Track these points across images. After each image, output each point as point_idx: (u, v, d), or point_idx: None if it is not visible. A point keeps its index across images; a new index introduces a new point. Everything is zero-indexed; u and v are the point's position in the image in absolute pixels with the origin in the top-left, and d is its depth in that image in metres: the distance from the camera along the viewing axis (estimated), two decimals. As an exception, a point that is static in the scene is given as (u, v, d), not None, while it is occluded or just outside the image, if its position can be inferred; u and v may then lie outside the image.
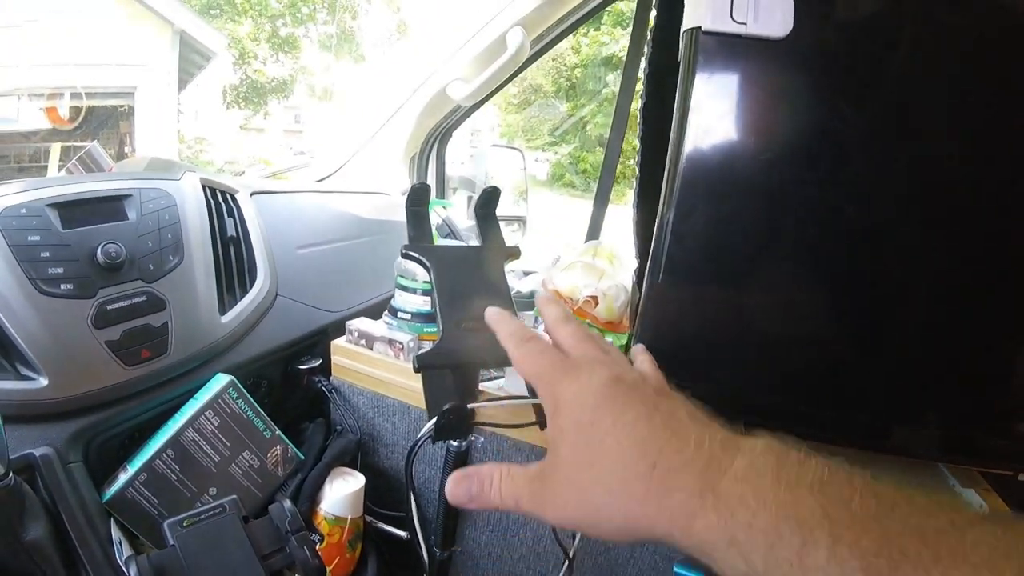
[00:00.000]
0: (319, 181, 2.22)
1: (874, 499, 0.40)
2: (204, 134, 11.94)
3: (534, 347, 0.62)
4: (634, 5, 1.92)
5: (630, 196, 1.26)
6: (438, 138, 2.34)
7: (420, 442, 0.94)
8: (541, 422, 0.93)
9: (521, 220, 2.48)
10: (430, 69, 2.08)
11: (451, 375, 0.95)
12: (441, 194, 2.43)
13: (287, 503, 0.97)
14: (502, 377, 1.18)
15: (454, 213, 2.24)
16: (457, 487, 0.57)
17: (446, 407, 0.87)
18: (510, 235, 2.34)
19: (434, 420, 0.88)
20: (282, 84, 14.26)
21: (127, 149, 8.33)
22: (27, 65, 6.88)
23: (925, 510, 0.39)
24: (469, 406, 0.89)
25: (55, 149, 7.17)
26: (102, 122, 8.07)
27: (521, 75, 1.98)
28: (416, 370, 0.90)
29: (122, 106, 8.31)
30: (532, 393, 0.95)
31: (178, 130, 9.69)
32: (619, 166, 2.18)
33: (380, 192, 1.99)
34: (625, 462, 0.48)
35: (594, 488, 0.49)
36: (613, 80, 10.97)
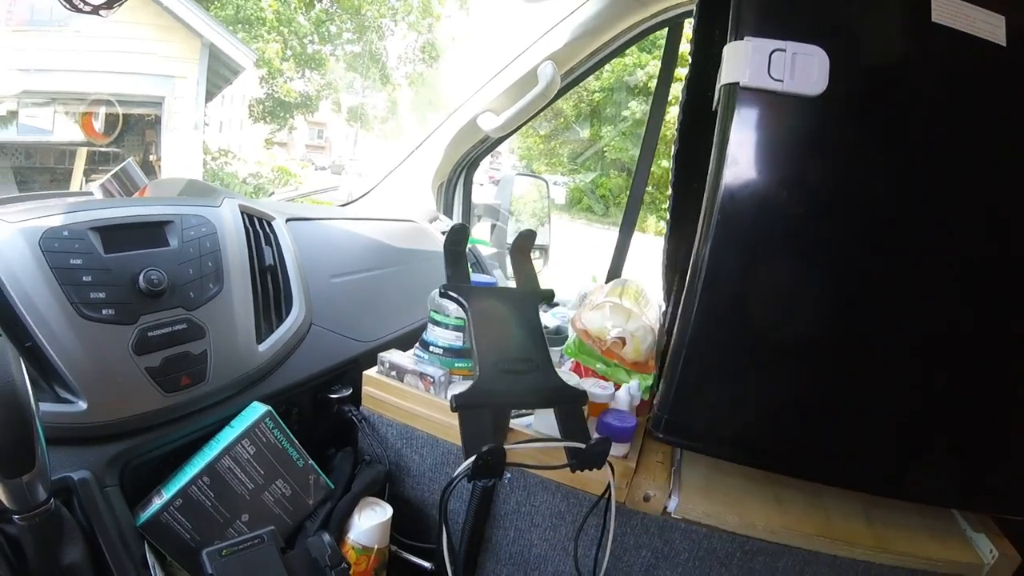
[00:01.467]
0: (343, 206, 2.24)
1: None
2: (228, 146, 12.01)
3: None
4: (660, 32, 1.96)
5: (651, 221, 1.29)
6: (466, 167, 2.37)
7: (456, 480, 0.95)
8: (572, 464, 0.95)
9: (544, 249, 2.50)
10: (460, 99, 2.10)
11: (488, 415, 0.97)
12: (467, 221, 2.45)
13: (326, 536, 0.99)
14: (531, 415, 1.20)
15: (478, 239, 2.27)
16: None
17: (484, 449, 0.88)
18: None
19: (472, 459, 0.90)
20: (307, 100, 14.35)
21: (151, 157, 8.40)
22: (61, 70, 6.97)
23: None
24: (506, 447, 0.91)
25: (81, 154, 7.26)
26: (128, 128, 8.14)
27: None
28: (453, 409, 0.92)
29: (149, 115, 8.39)
30: (563, 435, 0.97)
31: (203, 141, 9.75)
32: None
33: (407, 220, 2.01)
34: None
35: None
36: (635, 106, 11.04)
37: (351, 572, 1.13)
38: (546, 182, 2.76)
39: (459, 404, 0.92)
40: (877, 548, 1.07)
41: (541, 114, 2.12)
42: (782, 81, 0.94)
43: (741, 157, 0.97)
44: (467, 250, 1.74)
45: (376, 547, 1.16)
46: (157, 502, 0.97)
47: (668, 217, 1.33)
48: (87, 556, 0.84)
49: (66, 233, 0.95)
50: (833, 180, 0.98)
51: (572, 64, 2.06)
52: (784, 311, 1.01)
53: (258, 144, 13.70)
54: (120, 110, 7.55)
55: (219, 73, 9.21)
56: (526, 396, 0.98)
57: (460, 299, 1.05)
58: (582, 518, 1.13)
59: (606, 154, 11.69)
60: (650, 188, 6.89)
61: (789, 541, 1.09)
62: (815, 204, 0.98)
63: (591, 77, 2.33)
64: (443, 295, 1.07)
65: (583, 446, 0.95)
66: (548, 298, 1.12)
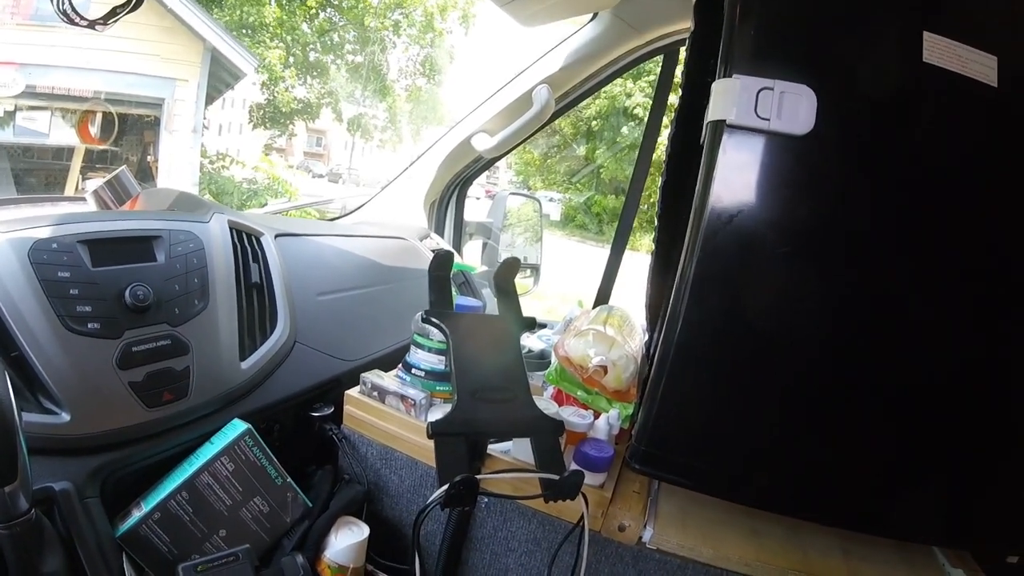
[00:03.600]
0: (334, 219, 2.25)
1: None
2: (227, 150, 12.01)
3: None
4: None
5: (645, 241, 1.30)
6: (459, 185, 2.38)
7: (429, 508, 0.95)
8: (545, 495, 0.96)
9: (535, 268, 2.51)
10: (456, 115, 2.12)
11: (463, 442, 0.97)
12: (458, 239, 2.46)
13: (299, 558, 1.00)
14: (510, 442, 1.20)
15: (469, 257, 2.27)
16: None
17: (457, 479, 0.89)
18: (521, 281, 2.36)
19: (445, 488, 0.90)
20: (307, 107, 14.38)
21: (149, 158, 8.41)
22: (63, 67, 6.99)
23: None
24: (479, 477, 0.91)
25: (79, 152, 7.27)
26: (127, 128, 8.15)
27: None
28: (429, 436, 0.93)
29: (148, 116, 8.40)
30: (539, 465, 0.97)
31: (201, 144, 9.75)
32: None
33: (398, 237, 2.02)
34: None
35: None
36: (627, 131, 11.11)
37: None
38: (539, 201, 2.77)
39: (435, 431, 0.92)
40: (852, 583, 1.08)
41: (539, 132, 2.13)
42: (769, 120, 0.94)
43: (725, 194, 0.97)
44: (454, 274, 1.75)
45: (352, 566, 1.16)
46: (136, 514, 0.98)
47: (653, 247, 1.34)
48: (66, 566, 0.84)
49: (55, 245, 0.95)
50: (818, 220, 0.99)
51: (567, 88, 2.08)
52: (765, 348, 1.02)
53: (257, 149, 13.71)
54: (118, 111, 7.57)
55: (220, 77, 9.22)
56: (502, 425, 0.99)
57: (441, 325, 1.05)
58: (556, 546, 1.13)
59: (601, 174, 11.73)
60: (644, 207, 6.91)
61: (764, 575, 1.10)
62: (799, 244, 0.99)
63: (588, 102, 2.36)
64: (425, 320, 1.08)
65: (556, 477, 0.96)
66: (530, 326, 1.13)
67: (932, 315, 0.98)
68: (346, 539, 1.17)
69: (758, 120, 0.95)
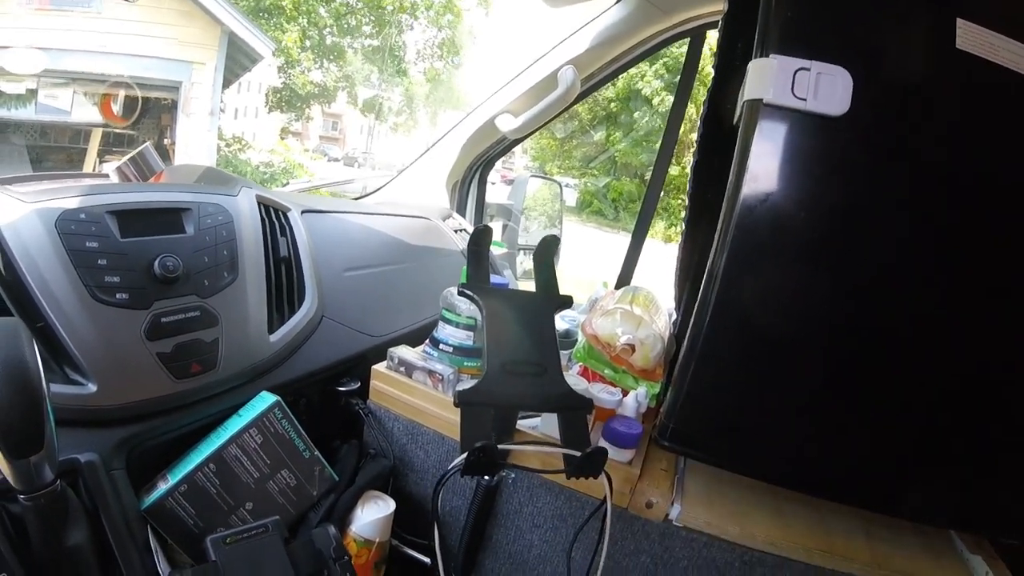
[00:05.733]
0: (357, 199, 2.24)
1: None
2: (243, 133, 12.01)
3: None
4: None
5: (659, 227, 1.29)
6: (481, 166, 2.37)
7: (448, 474, 0.95)
8: (567, 470, 0.96)
9: (555, 250, 2.50)
10: (476, 98, 2.11)
11: (490, 413, 0.97)
12: (480, 220, 2.45)
13: (331, 528, 1.00)
14: (538, 417, 1.20)
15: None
16: None
17: (477, 445, 0.88)
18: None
19: (465, 455, 0.90)
20: (324, 91, 14.36)
21: (166, 141, 8.42)
22: (81, 51, 7.00)
23: None
24: (500, 447, 0.91)
25: (96, 135, 7.28)
26: (144, 112, 8.16)
27: None
28: (456, 405, 0.93)
29: (165, 99, 8.41)
30: (564, 441, 0.97)
31: (218, 127, 9.76)
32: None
33: (421, 216, 2.01)
34: None
35: None
36: (639, 116, 11.05)
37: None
38: (560, 184, 2.76)
39: (462, 400, 0.92)
40: (874, 565, 1.07)
41: (559, 117, 2.12)
42: (805, 100, 0.94)
43: (760, 173, 0.97)
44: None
45: (377, 540, 1.17)
46: (162, 487, 0.98)
47: (683, 227, 1.33)
48: (90, 538, 0.84)
49: (83, 216, 0.94)
50: (852, 202, 0.98)
51: (592, 70, 2.07)
52: (795, 328, 1.01)
53: (273, 133, 13.71)
54: (139, 93, 7.58)
55: (237, 61, 9.22)
56: (530, 399, 0.98)
57: (476, 298, 1.05)
58: (581, 523, 1.13)
59: (617, 159, 11.67)
60: (663, 192, 6.88)
61: (789, 554, 1.09)
62: (833, 226, 0.98)
63: (607, 85, 2.34)
64: (460, 293, 1.07)
65: (578, 453, 0.95)
66: (566, 304, 1.12)
67: (961, 301, 0.97)
68: (372, 513, 1.17)
69: (795, 100, 0.94)
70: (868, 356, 1.01)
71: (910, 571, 1.07)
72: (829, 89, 0.93)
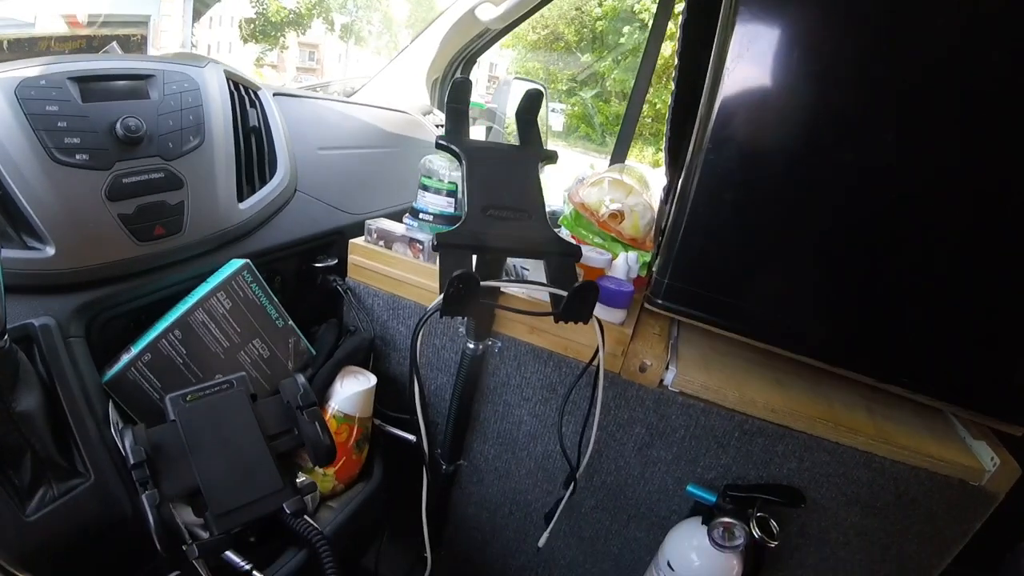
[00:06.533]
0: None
1: None
2: (216, 68, 11.77)
3: None
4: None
5: (648, 153, 1.24)
6: (462, 63, 2.29)
7: (428, 314, 0.91)
8: (556, 313, 0.90)
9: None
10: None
11: (470, 259, 0.91)
12: (462, 122, 2.38)
13: (300, 377, 0.94)
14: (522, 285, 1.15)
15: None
16: None
17: (455, 274, 0.81)
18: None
19: (443, 294, 0.83)
20: (299, 18, 14.03)
21: (136, 79, 8.24)
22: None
23: None
24: (482, 283, 0.84)
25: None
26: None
27: (543, 22, 1.94)
28: (435, 248, 0.87)
29: (135, 35, 8.20)
30: (556, 307, 0.91)
31: (191, 61, 9.55)
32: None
33: (401, 111, 1.94)
34: None
35: None
36: (629, 32, 10.90)
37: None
38: (544, 88, 2.69)
39: (440, 243, 0.86)
40: (879, 439, 1.04)
41: (541, 39, 2.04)
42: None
43: (743, 53, 0.91)
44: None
45: (359, 416, 1.12)
46: (124, 357, 0.92)
47: (673, 88, 1.27)
48: (43, 406, 0.78)
49: (43, 82, 0.89)
50: (834, 81, 0.92)
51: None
52: (790, 181, 0.96)
53: (248, 66, 13.45)
54: (104, 34, 7.37)
55: (207, -11, 8.98)
56: (514, 242, 0.91)
57: (455, 148, 0.98)
58: (571, 382, 1.09)
59: (608, 85, 11.53)
60: (649, 119, 6.81)
61: (790, 423, 1.06)
62: (816, 102, 0.93)
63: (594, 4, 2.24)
64: (438, 146, 1.01)
65: (564, 293, 0.87)
66: (551, 158, 1.06)
67: (964, 162, 0.91)
68: (352, 387, 1.13)
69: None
70: (869, 215, 0.95)
71: (915, 448, 1.03)
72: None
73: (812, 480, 1.09)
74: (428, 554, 1.32)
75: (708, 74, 0.95)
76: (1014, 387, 1.00)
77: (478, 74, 2.36)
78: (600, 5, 11.14)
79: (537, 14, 2.09)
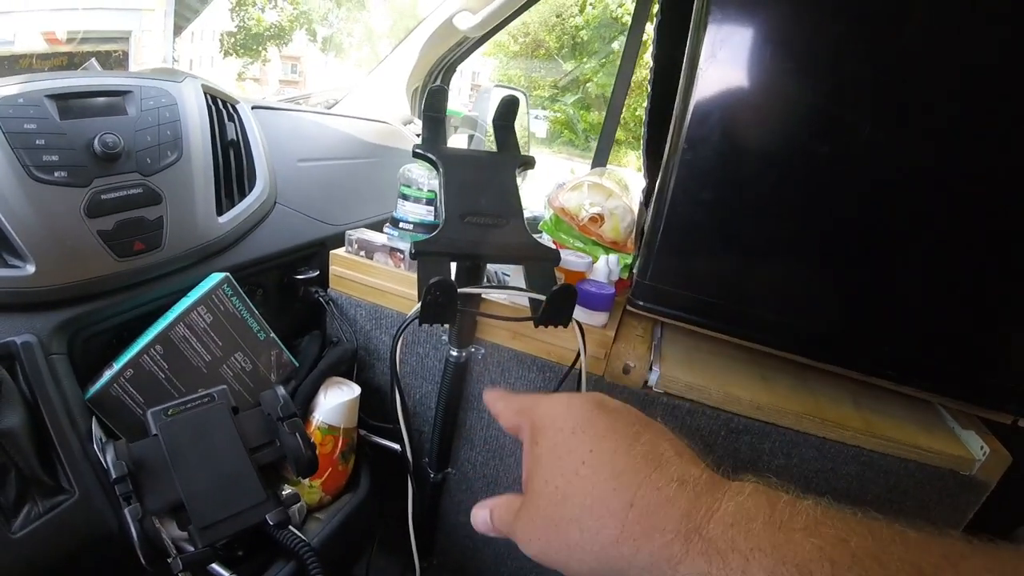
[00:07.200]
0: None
1: (870, 537, 0.37)
2: (198, 83, 11.75)
3: (516, 394, 0.58)
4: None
5: (631, 158, 1.24)
6: (442, 71, 2.30)
7: (407, 322, 0.92)
8: (536, 318, 0.90)
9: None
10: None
11: (448, 266, 0.91)
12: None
13: (280, 389, 0.94)
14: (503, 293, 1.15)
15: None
16: (475, 519, 0.53)
17: (432, 280, 0.80)
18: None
19: (420, 302, 0.83)
20: (280, 31, 14.02)
21: (119, 95, 8.22)
22: (22, 11, 6.77)
23: (919, 545, 0.35)
24: (460, 290, 0.85)
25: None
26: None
27: (524, 30, 1.95)
28: (412, 256, 0.87)
29: (116, 51, 8.18)
30: (535, 311, 0.91)
31: (173, 77, 9.52)
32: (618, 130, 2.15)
33: (380, 121, 1.94)
34: (600, 497, 0.43)
35: (568, 525, 0.44)
36: (612, 37, 10.93)
37: (318, 453, 1.09)
38: (525, 94, 2.69)
39: (417, 250, 0.86)
40: (867, 432, 1.04)
41: (523, 47, 2.05)
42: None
43: (722, 19, 0.91)
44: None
45: (343, 427, 1.12)
46: (107, 373, 0.92)
47: (648, 88, 1.27)
48: (27, 424, 0.78)
49: (21, 100, 0.90)
50: (810, 78, 0.91)
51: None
52: (770, 177, 0.96)
53: (230, 80, 13.41)
54: (85, 50, 7.35)
55: (187, 4, 8.96)
56: (492, 248, 0.92)
57: (431, 156, 0.99)
58: (555, 387, 1.10)
59: (590, 90, 11.55)
60: (633, 124, 6.83)
61: (776, 420, 1.06)
62: (790, 101, 0.93)
63: (574, 11, 2.25)
64: (415, 154, 1.01)
65: (543, 298, 0.87)
66: (529, 163, 1.06)
67: (951, 150, 0.91)
68: (336, 398, 1.12)
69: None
70: (839, 199, 0.95)
71: (904, 440, 1.04)
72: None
73: (801, 476, 1.09)
74: (417, 563, 1.32)
75: (682, 74, 0.95)
76: (1001, 374, 1.00)
77: (460, 83, 2.36)
78: (581, 12, 11.17)
79: (519, 22, 2.10)
